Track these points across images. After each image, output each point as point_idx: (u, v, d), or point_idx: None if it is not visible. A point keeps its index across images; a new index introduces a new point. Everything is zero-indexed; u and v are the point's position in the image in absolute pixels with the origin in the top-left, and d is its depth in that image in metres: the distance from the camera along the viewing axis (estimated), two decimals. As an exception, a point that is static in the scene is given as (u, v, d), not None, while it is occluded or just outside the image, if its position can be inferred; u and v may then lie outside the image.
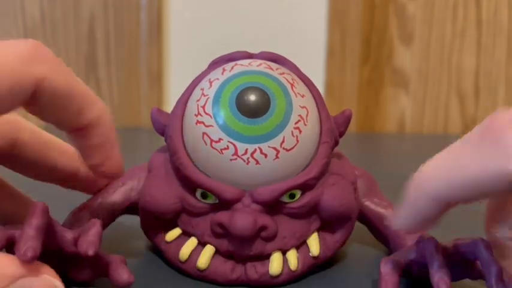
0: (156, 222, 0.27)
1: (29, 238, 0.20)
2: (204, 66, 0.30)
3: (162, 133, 0.27)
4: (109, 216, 0.28)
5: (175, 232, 0.26)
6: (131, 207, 0.28)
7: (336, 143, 0.27)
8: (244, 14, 0.75)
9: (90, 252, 0.21)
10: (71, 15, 0.76)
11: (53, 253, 0.23)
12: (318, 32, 0.76)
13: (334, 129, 0.27)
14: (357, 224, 0.29)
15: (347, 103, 0.77)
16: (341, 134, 0.27)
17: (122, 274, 0.23)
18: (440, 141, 0.77)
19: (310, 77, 0.29)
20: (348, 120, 0.27)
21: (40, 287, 0.20)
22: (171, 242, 0.26)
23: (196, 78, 0.27)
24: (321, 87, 0.75)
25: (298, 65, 0.29)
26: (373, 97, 0.78)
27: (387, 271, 0.24)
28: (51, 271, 0.20)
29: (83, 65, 0.77)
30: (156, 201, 0.25)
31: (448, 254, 0.23)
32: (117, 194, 0.27)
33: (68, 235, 0.23)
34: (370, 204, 0.28)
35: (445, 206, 0.21)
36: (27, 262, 0.20)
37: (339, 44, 0.76)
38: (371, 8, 0.76)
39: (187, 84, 0.29)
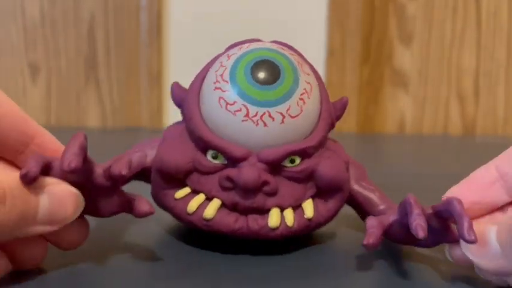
0: (167, 182, 0.29)
1: (73, 153, 0.23)
2: (204, 67, 0.30)
3: (180, 105, 0.30)
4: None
5: (185, 191, 0.29)
6: (143, 173, 0.30)
7: (333, 125, 0.30)
8: (244, 15, 0.75)
9: (123, 172, 0.24)
10: (71, 15, 0.76)
11: (84, 188, 0.25)
12: (318, 32, 0.76)
13: (332, 111, 0.30)
14: (346, 212, 0.31)
15: (347, 103, 0.77)
16: (338, 118, 0.30)
17: (144, 206, 0.26)
18: (440, 141, 0.77)
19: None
20: (344, 106, 0.30)
21: (62, 192, 0.24)
22: (180, 199, 0.29)
23: (212, 59, 0.30)
24: (320, 87, 0.75)
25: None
26: (373, 97, 0.79)
27: (373, 224, 0.27)
28: (65, 182, 0.24)
29: (82, 65, 0.77)
30: (170, 160, 0.28)
31: (426, 214, 0.26)
32: (133, 158, 0.30)
33: (99, 168, 0.25)
34: (358, 187, 0.31)
35: None
36: (69, 171, 0.23)
37: (339, 44, 0.76)
38: (371, 8, 0.76)
39: (187, 84, 0.31)
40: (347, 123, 0.77)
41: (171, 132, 0.30)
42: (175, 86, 0.30)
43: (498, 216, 0.26)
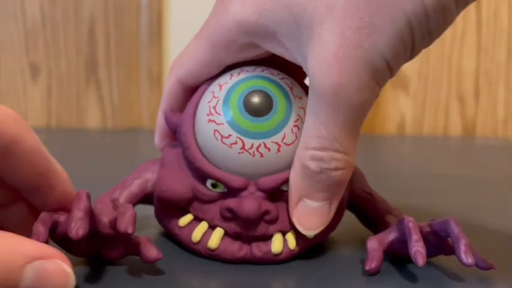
0: (169, 210, 0.29)
1: (79, 219, 0.23)
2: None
3: (174, 131, 0.30)
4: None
5: (188, 218, 0.29)
6: (146, 198, 0.31)
7: None
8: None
9: (130, 230, 0.24)
10: (71, 16, 0.76)
11: (90, 235, 0.25)
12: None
13: None
14: (346, 218, 0.31)
15: (347, 104, 0.77)
16: None
17: (152, 251, 0.26)
18: (440, 142, 0.77)
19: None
20: None
21: (53, 270, 0.22)
22: (184, 226, 0.29)
23: (203, 85, 0.30)
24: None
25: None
26: (373, 98, 0.79)
27: (373, 247, 0.27)
28: (63, 256, 0.23)
29: (83, 65, 0.77)
30: (171, 191, 0.29)
31: (424, 232, 0.26)
32: (134, 186, 0.30)
33: (105, 219, 0.26)
34: (356, 190, 0.31)
35: None
36: (77, 240, 0.23)
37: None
38: (371, 9, 0.76)
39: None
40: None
41: (169, 157, 0.30)
42: (168, 112, 0.31)
43: None
